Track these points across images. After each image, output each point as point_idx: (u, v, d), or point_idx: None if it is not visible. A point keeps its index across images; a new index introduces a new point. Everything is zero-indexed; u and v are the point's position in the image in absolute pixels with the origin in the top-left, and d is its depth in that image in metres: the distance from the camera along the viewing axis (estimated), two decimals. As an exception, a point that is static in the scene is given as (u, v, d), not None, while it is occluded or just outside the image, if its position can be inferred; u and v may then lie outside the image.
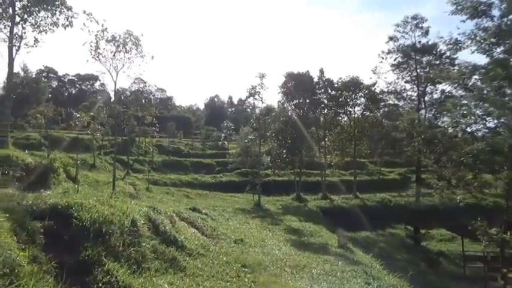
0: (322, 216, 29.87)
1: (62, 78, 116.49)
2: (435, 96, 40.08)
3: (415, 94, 41.49)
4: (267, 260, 11.97)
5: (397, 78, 41.84)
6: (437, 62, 38.99)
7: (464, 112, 17.55)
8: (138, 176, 37.55)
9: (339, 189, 41.78)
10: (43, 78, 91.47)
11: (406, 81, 42.19)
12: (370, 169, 55.56)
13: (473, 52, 15.32)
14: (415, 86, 41.00)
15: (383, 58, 39.34)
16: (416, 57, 39.92)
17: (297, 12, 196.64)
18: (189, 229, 15.16)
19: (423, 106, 40.92)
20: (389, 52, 41.22)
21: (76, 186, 15.65)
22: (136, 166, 48.49)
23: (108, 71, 20.97)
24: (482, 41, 14.14)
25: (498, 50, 14.45)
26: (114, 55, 20.80)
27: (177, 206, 20.95)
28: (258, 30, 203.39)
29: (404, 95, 42.32)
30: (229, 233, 15.87)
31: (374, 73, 39.84)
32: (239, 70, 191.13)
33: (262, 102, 32.37)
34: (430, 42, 38.34)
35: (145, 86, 58.88)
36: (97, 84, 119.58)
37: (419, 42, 38.14)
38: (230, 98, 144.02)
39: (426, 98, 41.16)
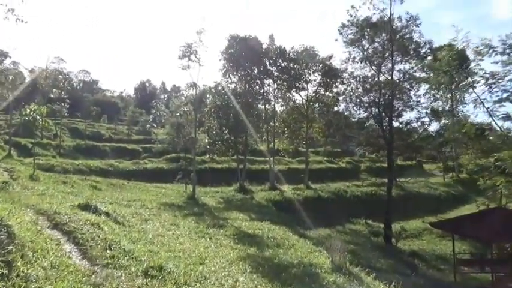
0: (276, 212, 23.47)
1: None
2: (395, 76, 35.60)
3: (370, 74, 36.75)
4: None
5: (349, 57, 36.73)
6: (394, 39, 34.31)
7: None
8: (25, 160, 28.06)
9: (287, 178, 35.97)
10: None
11: (360, 59, 37.37)
12: (314, 159, 50.66)
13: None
14: (368, 65, 36.08)
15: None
16: (370, 33, 34.94)
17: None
18: (58, 247, 7.84)
19: (377, 88, 36.35)
20: (343, 26, 36.04)
21: None
22: (38, 150, 38.61)
23: None
24: None
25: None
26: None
27: (63, 203, 13.14)
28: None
29: (357, 73, 37.42)
30: (140, 251, 8.47)
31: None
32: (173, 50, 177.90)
33: (200, 65, 24.75)
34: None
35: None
36: (8, 62, 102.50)
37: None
38: (163, 83, 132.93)
39: (381, 78, 36.65)
